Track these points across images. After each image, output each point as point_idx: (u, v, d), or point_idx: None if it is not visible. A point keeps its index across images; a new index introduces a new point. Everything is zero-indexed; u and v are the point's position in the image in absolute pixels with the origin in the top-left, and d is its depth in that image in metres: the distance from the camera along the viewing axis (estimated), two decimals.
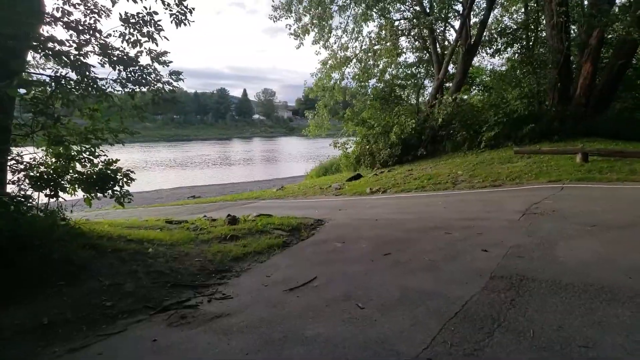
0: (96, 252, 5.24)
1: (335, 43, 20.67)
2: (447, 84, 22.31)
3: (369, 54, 20.65)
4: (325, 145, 22.05)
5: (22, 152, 6.55)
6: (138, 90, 6.89)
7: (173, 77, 7.13)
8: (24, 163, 6.34)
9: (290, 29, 20.72)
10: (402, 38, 20.88)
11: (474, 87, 25.45)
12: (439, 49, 21.79)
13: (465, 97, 21.82)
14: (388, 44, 19.89)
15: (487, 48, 22.56)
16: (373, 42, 20.38)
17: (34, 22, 5.85)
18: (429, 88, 23.78)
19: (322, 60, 21.62)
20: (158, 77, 7.00)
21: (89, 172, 6.72)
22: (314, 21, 19.50)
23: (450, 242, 6.21)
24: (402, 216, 8.81)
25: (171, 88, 7.28)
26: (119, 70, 6.71)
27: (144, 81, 6.87)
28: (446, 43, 22.65)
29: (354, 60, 20.95)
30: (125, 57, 6.70)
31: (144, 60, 7.12)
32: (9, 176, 6.28)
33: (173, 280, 4.81)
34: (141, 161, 59.79)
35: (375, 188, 13.81)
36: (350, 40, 20.64)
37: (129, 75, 6.83)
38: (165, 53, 7.08)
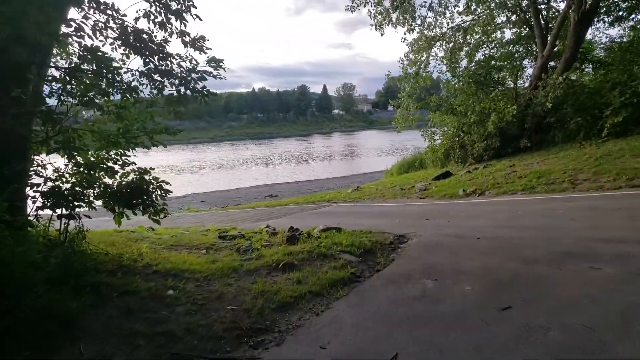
0: (96, 298, 3.89)
1: (420, 24, 18.34)
2: (551, 63, 18.94)
3: (458, 33, 18.04)
4: (408, 137, 19.83)
5: (43, 162, 5.47)
6: (168, 83, 5.50)
7: (212, 64, 5.66)
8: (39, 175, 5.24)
9: (370, 15, 18.77)
10: (497, 10, 17.95)
11: (585, 64, 21.53)
12: (542, 22, 18.48)
13: (574, 77, 18.34)
14: (481, 17, 17.16)
15: (605, 16, 18.73)
16: (463, 16, 17.79)
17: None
18: (528, 70, 20.48)
19: (407, 43, 19.46)
20: (193, 67, 5.57)
21: (119, 183, 5.48)
22: (395, 2, 17.34)
23: (605, 285, 4.01)
24: (514, 232, 6.60)
25: (205, 81, 5.83)
26: (145, 59, 5.34)
27: (175, 72, 5.47)
28: (551, 14, 19.21)
29: (441, 41, 18.44)
30: (150, 41, 5.32)
31: (176, 47, 5.72)
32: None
33: (183, 349, 3.27)
34: (230, 159, 61.67)
35: (470, 189, 11.50)
36: (437, 16, 18.18)
37: (158, 65, 5.45)
38: (203, 38, 5.61)
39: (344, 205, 12.70)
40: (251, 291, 4.27)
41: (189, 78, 5.41)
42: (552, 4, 19.01)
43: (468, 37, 18.44)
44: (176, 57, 5.31)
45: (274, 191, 29.42)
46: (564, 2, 18.29)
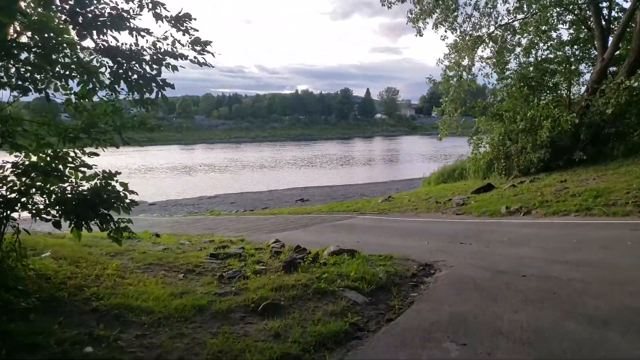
0: None
1: (464, 22, 16.79)
2: (612, 68, 16.91)
3: (507, 32, 16.35)
4: (454, 144, 18.33)
5: None
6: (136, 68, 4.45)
7: (197, 47, 4.64)
8: None
9: (410, 14, 17.37)
10: (551, 8, 16.12)
11: None
12: (603, 22, 16.51)
13: (636, 84, 16.24)
14: (534, 15, 15.40)
15: None
16: (512, 14, 16.08)
17: None
18: (585, 75, 18.45)
19: (449, 44, 17.86)
20: (172, 51, 4.55)
21: (72, 189, 4.55)
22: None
23: None
24: (569, 270, 5.21)
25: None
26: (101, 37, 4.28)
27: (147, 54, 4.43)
28: (614, 13, 17.16)
29: (487, 41, 16.78)
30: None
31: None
32: None
33: None
34: (271, 159, 61.64)
35: (514, 207, 10.01)
36: (483, 15, 16.54)
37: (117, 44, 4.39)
38: (188, 16, 4.59)
39: (370, 218, 11.49)
40: (206, 349, 3.20)
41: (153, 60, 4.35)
42: (616, 1, 16.95)
43: (518, 37, 16.71)
44: (144, 34, 4.27)
45: (306, 195, 28.58)
46: (629, 0, 16.29)
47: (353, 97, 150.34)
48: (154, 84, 4.26)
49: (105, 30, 3.99)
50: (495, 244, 7.17)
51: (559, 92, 17.53)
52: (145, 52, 4.35)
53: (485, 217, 9.91)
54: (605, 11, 16.88)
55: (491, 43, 16.80)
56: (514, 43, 17.04)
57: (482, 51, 17.87)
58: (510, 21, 16.56)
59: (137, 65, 4.21)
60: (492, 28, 16.61)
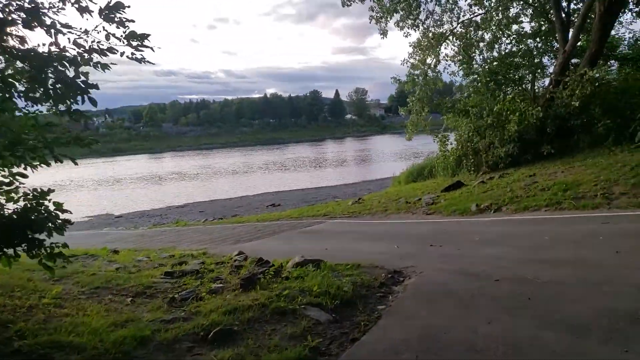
0: None
1: (426, 19, 16.65)
2: (573, 60, 17.15)
3: (470, 28, 16.32)
4: (425, 142, 18.14)
5: None
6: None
7: (133, 41, 4.14)
8: None
9: (372, 10, 17.09)
10: (511, 2, 16.18)
11: (610, 62, 19.63)
12: (563, 15, 16.72)
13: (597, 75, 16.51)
14: (495, 10, 15.45)
15: (635, 6, 16.87)
16: (472, 9, 16.05)
17: None
18: (549, 68, 18.64)
19: (412, 43, 17.64)
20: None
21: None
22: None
23: None
24: (543, 270, 4.96)
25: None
26: None
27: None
28: (573, 5, 17.42)
29: (451, 37, 16.70)
30: None
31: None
32: None
33: None
34: (242, 165, 60.67)
35: (484, 204, 9.83)
36: (445, 12, 16.45)
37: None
38: (119, 5, 4.07)
39: (340, 222, 11.13)
40: None
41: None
42: None
43: (481, 32, 16.68)
44: (65, 30, 3.72)
45: (278, 199, 28.06)
46: None
47: (322, 99, 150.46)
48: (77, 90, 3.72)
49: (12, 30, 3.44)
50: (466, 244, 6.91)
51: (524, 85, 17.67)
52: (67, 53, 3.83)
53: (456, 216, 9.69)
54: (564, 3, 17.11)
55: (455, 40, 16.74)
56: (477, 39, 17.03)
57: (445, 48, 17.84)
58: (472, 16, 16.53)
59: (54, 68, 3.67)
60: (454, 24, 16.56)
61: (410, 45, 17.37)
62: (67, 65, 3.67)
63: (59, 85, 3.65)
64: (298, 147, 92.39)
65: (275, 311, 4.15)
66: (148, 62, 4.42)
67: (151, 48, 4.33)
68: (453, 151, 16.09)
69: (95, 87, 3.88)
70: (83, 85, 3.71)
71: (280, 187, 36.18)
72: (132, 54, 4.26)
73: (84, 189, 44.69)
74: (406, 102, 17.31)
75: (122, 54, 4.27)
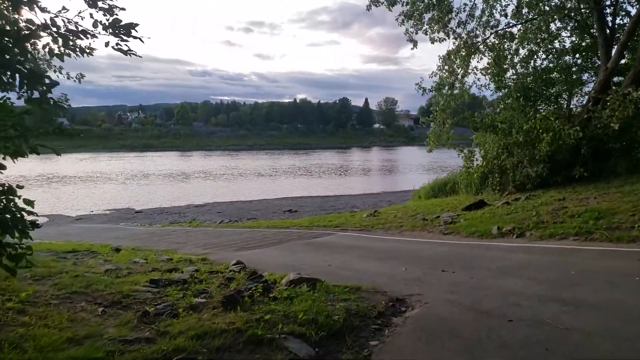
0: None
1: (457, 27, 15.88)
2: (615, 79, 16.08)
3: (504, 40, 15.48)
4: (449, 156, 17.33)
5: None
6: None
7: (118, 30, 3.78)
8: None
9: (401, 17, 16.42)
10: (552, 15, 15.25)
11: None
12: (607, 30, 15.73)
13: None
14: (535, 20, 14.54)
15: None
16: (510, 21, 15.25)
17: None
18: (588, 86, 17.55)
19: (442, 56, 16.84)
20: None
21: None
22: (430, 1, 14.96)
23: None
24: (567, 313, 4.30)
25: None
26: None
27: None
28: (619, 20, 16.38)
29: (483, 49, 15.91)
30: None
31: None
32: None
33: None
34: (268, 168, 60.85)
35: (507, 227, 9.10)
36: (479, 23, 15.66)
37: None
38: None
39: (350, 236, 10.57)
40: None
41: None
42: (622, 7, 16.09)
43: (516, 43, 15.80)
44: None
45: (296, 206, 27.72)
46: (635, 6, 15.51)
47: (351, 107, 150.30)
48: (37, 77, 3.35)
49: None
50: (481, 272, 6.26)
51: (559, 103, 16.69)
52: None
53: (475, 238, 9.00)
54: (609, 18, 16.11)
55: (487, 51, 15.93)
56: (511, 51, 16.17)
57: (477, 62, 16.99)
58: (507, 27, 15.69)
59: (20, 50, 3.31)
60: (487, 34, 15.74)
61: (439, 57, 16.58)
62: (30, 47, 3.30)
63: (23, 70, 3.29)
64: (324, 154, 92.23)
65: (251, 339, 3.65)
66: (134, 54, 4.05)
67: (140, 39, 3.97)
68: (478, 168, 15.27)
69: (51, 80, 3.49)
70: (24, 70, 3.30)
71: (302, 192, 35.88)
72: (117, 44, 3.90)
73: (112, 182, 45.51)
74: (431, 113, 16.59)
75: (106, 44, 3.92)
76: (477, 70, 16.45)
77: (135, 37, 3.92)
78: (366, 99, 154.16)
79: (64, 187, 40.46)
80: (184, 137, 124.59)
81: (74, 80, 9.20)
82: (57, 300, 4.63)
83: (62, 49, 3.83)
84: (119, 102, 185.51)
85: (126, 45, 3.91)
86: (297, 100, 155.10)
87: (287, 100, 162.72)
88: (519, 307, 4.60)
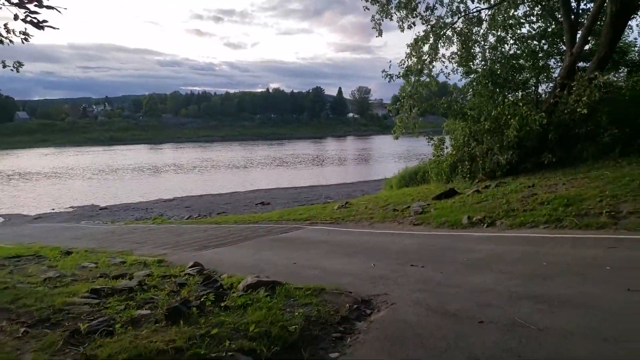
0: None
1: (426, 11, 15.48)
2: (580, 64, 16.13)
3: (471, 25, 15.24)
4: (423, 144, 17.05)
5: None
6: None
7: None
8: None
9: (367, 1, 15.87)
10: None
11: (620, 68, 18.62)
12: (572, 15, 15.72)
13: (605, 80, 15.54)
14: (500, 8, 14.37)
15: None
16: (478, 6, 14.98)
17: None
18: (554, 72, 17.56)
19: (409, 44, 16.37)
20: None
21: None
22: None
23: None
24: (540, 312, 4.02)
25: None
26: None
27: None
28: (583, 5, 16.39)
29: (451, 34, 15.62)
30: None
31: None
32: None
33: None
34: (242, 159, 59.80)
35: (477, 217, 8.89)
36: (449, 9, 15.31)
37: None
38: None
39: (319, 229, 10.18)
40: None
41: None
42: None
43: (483, 29, 15.59)
44: None
45: (268, 198, 27.19)
46: None
47: (325, 96, 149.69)
48: None
49: None
50: (451, 266, 5.97)
51: (527, 89, 16.65)
52: None
53: (445, 228, 8.75)
54: (574, 3, 16.10)
55: (456, 36, 15.67)
56: (480, 37, 15.98)
57: (446, 49, 16.68)
58: (475, 11, 15.43)
59: None
60: (455, 19, 15.44)
61: (407, 45, 16.13)
62: None
63: None
64: (299, 144, 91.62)
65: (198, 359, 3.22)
66: (50, 26, 3.51)
67: (55, 8, 3.45)
68: (448, 156, 15.09)
69: None
70: None
71: (275, 184, 35.35)
72: (27, 15, 3.37)
73: (77, 178, 43.86)
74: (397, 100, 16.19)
75: (15, 17, 3.38)
76: (444, 57, 16.18)
77: (48, 7, 3.40)
78: (340, 88, 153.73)
79: (24, 184, 38.75)
80: (153, 129, 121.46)
81: (11, 69, 8.44)
82: None
83: None
84: (84, 94, 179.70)
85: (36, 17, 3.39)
86: (270, 90, 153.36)
87: (259, 90, 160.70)
88: (489, 306, 4.31)
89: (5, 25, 3.61)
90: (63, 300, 4.63)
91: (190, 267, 6.57)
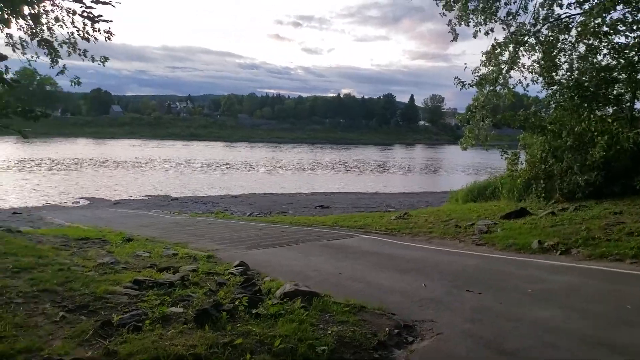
0: None
1: (508, 17, 14.36)
2: None
3: (555, 31, 13.94)
4: (497, 157, 15.98)
5: None
6: None
7: None
8: None
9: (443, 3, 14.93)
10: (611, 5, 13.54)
11: None
12: None
13: None
14: (592, 12, 13.01)
15: None
16: (567, 11, 13.68)
17: None
18: None
19: (485, 52, 15.12)
20: None
21: None
22: None
23: None
24: None
25: None
26: None
27: None
28: None
29: (534, 41, 14.39)
30: None
31: None
32: None
33: None
34: (309, 162, 60.65)
35: (550, 242, 7.97)
36: (534, 16, 14.11)
37: None
38: None
39: (373, 239, 9.74)
40: None
41: None
42: None
43: (572, 37, 14.17)
44: None
45: (328, 201, 27.07)
46: None
47: (396, 103, 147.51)
48: None
49: None
50: (514, 296, 5.33)
51: (621, 105, 14.97)
52: None
53: (511, 252, 7.96)
54: None
55: (538, 44, 14.40)
56: (567, 45, 14.58)
57: (528, 57, 15.32)
58: (563, 17, 14.08)
59: None
60: (538, 25, 14.16)
61: (482, 53, 14.93)
62: None
63: None
64: (366, 150, 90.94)
65: None
66: (104, 20, 3.53)
67: (109, 3, 3.44)
68: (522, 172, 13.88)
69: None
70: None
71: (338, 188, 35.25)
72: (84, 11, 3.39)
73: (157, 169, 46.56)
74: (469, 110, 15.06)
75: (71, 12, 3.42)
76: (524, 67, 14.92)
77: (104, 3, 3.39)
78: (412, 95, 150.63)
79: (111, 172, 41.74)
80: (229, 128, 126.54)
81: (98, 64, 8.95)
82: (21, 299, 4.18)
83: None
84: (170, 92, 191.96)
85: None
86: (341, 95, 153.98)
87: (331, 95, 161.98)
88: (554, 350, 3.72)
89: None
90: (106, 289, 4.67)
91: (235, 267, 6.48)
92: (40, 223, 14.93)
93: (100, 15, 3.50)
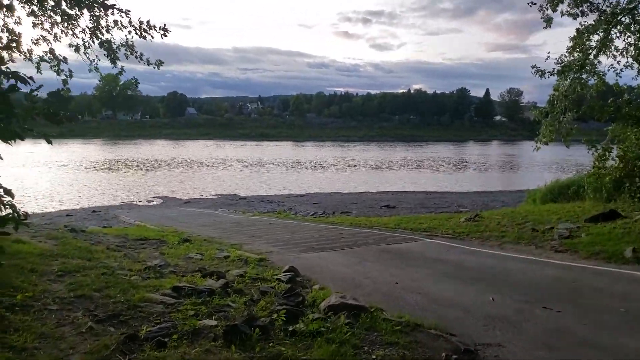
0: None
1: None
2: None
3: None
4: (582, 153, 14.38)
5: None
6: None
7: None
8: None
9: None
10: None
11: None
12: None
13: None
14: None
15: None
16: None
17: None
18: None
19: (572, 36, 13.41)
20: None
21: None
22: None
23: None
24: None
25: None
26: None
27: None
28: None
29: (629, 21, 12.56)
30: None
31: None
32: None
33: None
34: (377, 160, 59.96)
35: None
36: None
37: None
38: None
39: (438, 244, 8.97)
40: None
41: None
42: None
43: None
44: None
45: (395, 201, 26.23)
46: None
47: (470, 97, 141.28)
48: None
49: None
50: (601, 316, 4.48)
51: None
52: None
53: (598, 261, 6.89)
54: None
55: (634, 24, 12.60)
56: None
57: (622, 39, 13.45)
58: None
59: None
60: (635, 2, 12.35)
61: (570, 39, 13.28)
62: None
63: None
64: (438, 147, 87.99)
65: None
66: (118, 9, 3.30)
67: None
68: (613, 169, 12.22)
69: None
70: None
71: (405, 187, 34.19)
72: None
73: (228, 168, 48.24)
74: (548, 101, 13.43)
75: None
76: (617, 50, 13.12)
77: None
78: (487, 90, 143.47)
79: (186, 172, 43.84)
80: (297, 127, 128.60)
81: (154, 67, 9.09)
82: (56, 305, 4.12)
83: None
84: (241, 94, 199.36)
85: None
86: (411, 91, 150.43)
87: (400, 91, 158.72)
88: None
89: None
90: (142, 296, 4.52)
91: (284, 272, 6.16)
92: (114, 221, 15.76)
93: (114, 5, 3.30)
